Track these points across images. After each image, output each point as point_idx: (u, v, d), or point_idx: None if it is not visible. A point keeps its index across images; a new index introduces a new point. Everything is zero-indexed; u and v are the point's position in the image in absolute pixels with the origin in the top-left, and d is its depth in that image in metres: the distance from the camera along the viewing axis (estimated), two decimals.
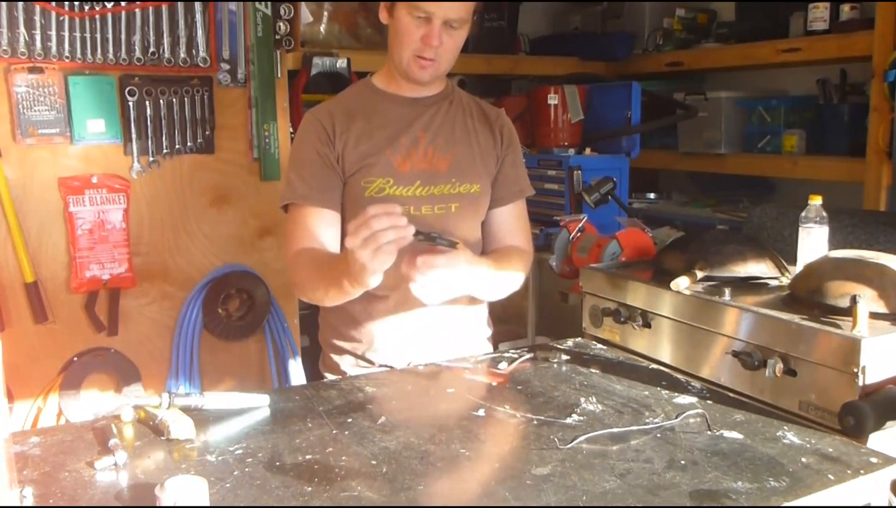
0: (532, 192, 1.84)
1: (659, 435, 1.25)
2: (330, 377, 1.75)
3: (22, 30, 2.48)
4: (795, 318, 1.68)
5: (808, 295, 1.74)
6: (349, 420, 1.32)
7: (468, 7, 1.59)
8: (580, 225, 2.50)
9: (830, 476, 1.11)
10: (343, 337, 1.72)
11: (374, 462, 1.17)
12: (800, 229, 1.91)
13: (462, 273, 1.48)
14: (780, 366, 1.67)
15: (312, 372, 2.48)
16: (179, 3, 2.68)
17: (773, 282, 1.97)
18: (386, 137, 1.67)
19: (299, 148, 1.70)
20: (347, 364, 1.73)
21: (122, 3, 2.60)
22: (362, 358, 1.71)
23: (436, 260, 1.43)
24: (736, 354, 1.77)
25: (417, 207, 1.66)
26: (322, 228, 1.64)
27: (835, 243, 1.93)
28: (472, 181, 1.72)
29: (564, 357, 1.61)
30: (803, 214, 1.90)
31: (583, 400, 1.40)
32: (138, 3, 2.62)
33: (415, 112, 1.70)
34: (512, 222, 1.80)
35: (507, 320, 3.71)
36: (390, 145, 1.66)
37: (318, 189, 1.64)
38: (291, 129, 2.90)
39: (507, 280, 1.70)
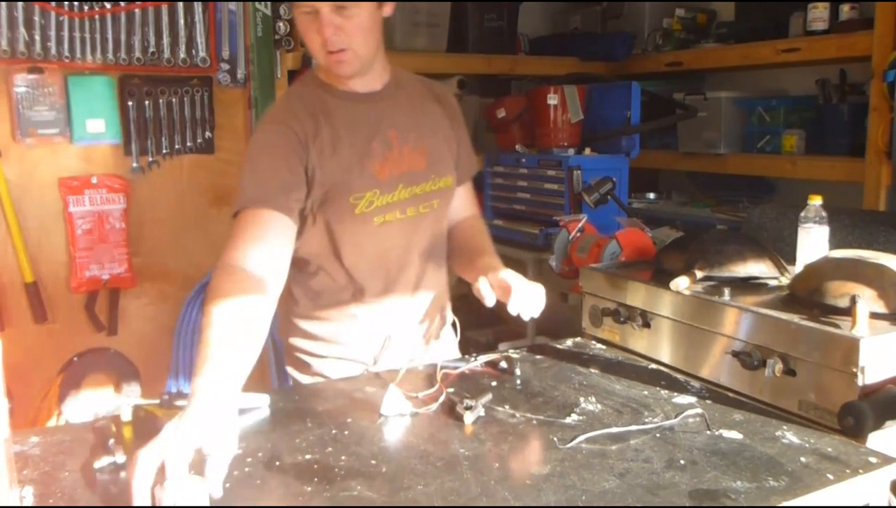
0: (477, 166, 1.87)
1: (658, 435, 1.26)
2: (296, 375, 1.72)
3: (22, 30, 2.48)
4: (795, 318, 1.68)
5: (807, 295, 1.74)
6: (349, 420, 1.33)
7: None
8: (580, 225, 2.50)
9: (830, 476, 1.11)
10: (313, 337, 1.69)
11: (374, 462, 1.17)
12: (799, 229, 1.91)
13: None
14: (779, 366, 1.67)
15: None
16: (179, 3, 2.69)
17: (773, 282, 1.97)
18: (359, 144, 1.58)
19: (263, 149, 1.56)
20: (320, 364, 1.70)
21: (122, 3, 2.60)
22: (337, 358, 1.69)
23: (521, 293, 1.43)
24: (735, 354, 1.77)
25: (403, 210, 1.64)
26: (272, 234, 1.46)
27: (834, 243, 1.93)
28: (448, 173, 1.70)
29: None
30: (803, 214, 1.90)
31: (582, 399, 1.40)
32: (138, 3, 2.63)
33: (375, 109, 1.63)
34: (466, 198, 1.82)
35: (506, 320, 3.71)
36: (366, 153, 1.58)
37: (277, 192, 1.49)
38: None
39: None
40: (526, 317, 1.45)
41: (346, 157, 1.57)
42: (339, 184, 1.56)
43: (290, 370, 1.75)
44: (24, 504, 1.04)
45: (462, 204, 1.81)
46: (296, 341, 1.72)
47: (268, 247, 1.45)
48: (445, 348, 1.79)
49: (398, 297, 1.67)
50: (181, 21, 2.70)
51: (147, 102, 2.70)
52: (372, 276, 1.65)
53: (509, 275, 1.46)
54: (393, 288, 1.67)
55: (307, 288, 1.67)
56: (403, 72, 1.74)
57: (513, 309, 1.43)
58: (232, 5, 2.77)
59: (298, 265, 1.63)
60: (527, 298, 1.43)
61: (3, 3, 2.44)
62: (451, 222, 1.80)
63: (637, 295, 2.07)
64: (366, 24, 1.53)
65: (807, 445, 1.22)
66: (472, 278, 1.58)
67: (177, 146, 2.75)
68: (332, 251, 1.63)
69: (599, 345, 1.81)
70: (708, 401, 1.40)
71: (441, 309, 1.79)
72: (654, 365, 1.67)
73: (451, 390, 1.42)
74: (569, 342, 1.79)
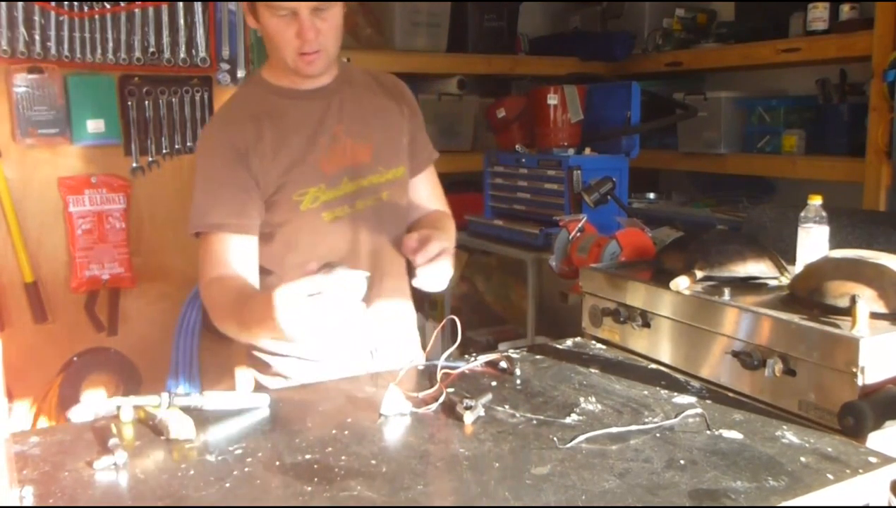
0: (436, 154, 1.82)
1: (658, 435, 1.26)
2: (256, 375, 1.71)
3: (22, 30, 2.48)
4: (795, 318, 1.68)
5: (807, 295, 1.74)
6: (349, 420, 1.33)
7: None
8: (580, 225, 2.50)
9: (829, 476, 1.11)
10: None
11: (374, 462, 1.17)
12: (799, 229, 1.91)
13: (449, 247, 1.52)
14: (779, 366, 1.67)
15: None
16: (179, 3, 2.69)
17: (773, 282, 1.97)
18: (304, 141, 1.58)
19: (208, 167, 1.57)
20: (281, 363, 1.68)
21: (122, 3, 2.60)
22: (298, 357, 1.67)
23: (433, 246, 1.47)
24: (735, 354, 1.77)
25: (352, 204, 1.63)
26: (239, 258, 1.55)
27: (834, 243, 1.93)
28: (397, 165, 1.69)
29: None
30: (803, 214, 1.90)
31: (582, 399, 1.40)
32: (138, 3, 2.63)
33: (321, 105, 1.62)
34: (429, 189, 1.80)
35: (507, 320, 3.71)
36: (311, 150, 1.58)
37: (234, 214, 1.53)
38: None
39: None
40: (424, 284, 1.49)
41: (288, 156, 1.57)
42: (283, 183, 1.56)
43: (248, 370, 1.73)
44: (24, 504, 1.04)
45: (427, 197, 1.80)
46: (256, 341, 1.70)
47: (240, 266, 1.54)
48: (408, 344, 1.78)
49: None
50: (181, 21, 2.70)
51: (147, 102, 2.70)
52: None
53: (435, 235, 1.50)
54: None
55: (262, 287, 1.64)
56: (352, 66, 1.74)
57: (419, 259, 1.48)
58: (232, 5, 2.77)
59: None
60: (434, 265, 1.47)
61: (3, 3, 2.44)
62: (415, 216, 1.78)
63: (637, 295, 2.07)
64: (338, 24, 1.54)
65: (807, 445, 1.22)
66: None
67: (177, 146, 2.75)
68: (282, 252, 1.62)
69: (599, 345, 1.81)
70: (708, 401, 1.40)
71: (402, 300, 1.78)
72: (654, 365, 1.67)
73: (451, 390, 1.42)
74: (569, 342, 1.79)
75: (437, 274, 1.51)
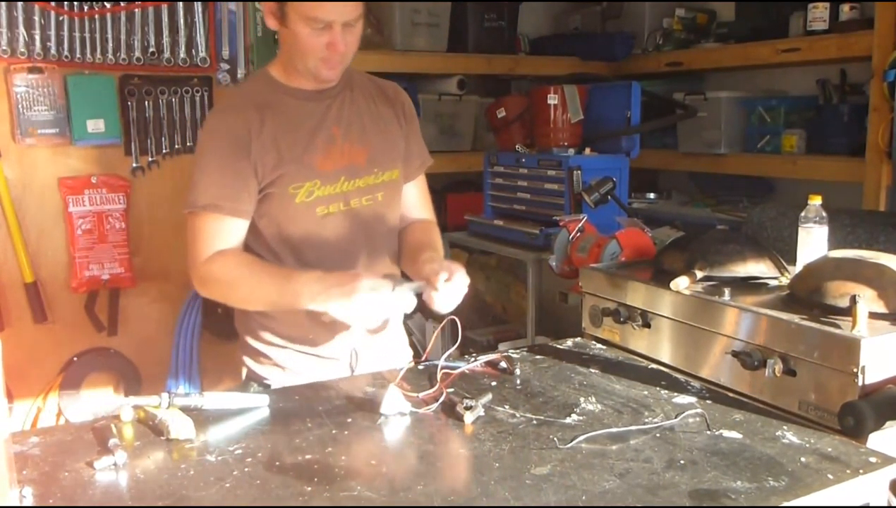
0: (431, 161, 1.86)
1: (658, 435, 1.26)
2: (254, 365, 1.72)
3: (21, 30, 2.48)
4: (795, 318, 1.68)
5: (807, 295, 1.74)
6: (349, 420, 1.33)
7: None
8: (580, 225, 2.50)
9: (830, 476, 1.11)
10: (269, 328, 1.69)
11: (373, 462, 1.17)
12: (799, 229, 1.91)
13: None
14: (779, 366, 1.67)
15: None
16: (179, 3, 2.69)
17: (773, 282, 1.97)
18: (302, 139, 1.63)
19: (209, 150, 1.61)
20: (278, 354, 1.70)
21: (122, 3, 2.61)
22: (296, 350, 1.69)
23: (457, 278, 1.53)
24: (736, 354, 1.77)
25: (347, 201, 1.66)
26: (231, 239, 1.60)
27: (835, 243, 1.93)
28: (392, 168, 1.73)
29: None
30: (803, 214, 1.90)
31: (582, 399, 1.40)
32: (138, 3, 2.63)
33: (322, 106, 1.67)
34: (418, 196, 1.84)
35: (507, 320, 3.71)
36: (308, 148, 1.63)
37: (229, 197, 1.58)
38: None
39: None
40: (440, 307, 1.53)
41: (287, 149, 1.61)
42: (280, 175, 1.60)
43: (247, 360, 1.74)
44: (24, 504, 1.04)
45: (415, 204, 1.83)
46: (253, 331, 1.72)
47: (229, 245, 1.60)
48: (395, 346, 1.79)
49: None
50: (181, 21, 2.70)
51: (147, 102, 2.70)
52: (315, 267, 1.63)
53: (445, 265, 1.54)
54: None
55: None
56: (357, 71, 1.78)
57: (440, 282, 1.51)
58: (232, 5, 2.77)
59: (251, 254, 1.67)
60: (447, 290, 1.51)
61: (3, 3, 2.44)
62: (403, 223, 1.82)
63: (637, 295, 2.07)
64: (360, 33, 1.60)
65: (807, 445, 1.22)
66: (414, 272, 1.64)
67: (177, 146, 2.75)
68: (275, 243, 1.65)
69: (599, 345, 1.81)
70: (708, 401, 1.40)
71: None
72: (654, 365, 1.68)
73: (451, 390, 1.42)
74: (569, 342, 1.79)
75: (455, 296, 1.54)
